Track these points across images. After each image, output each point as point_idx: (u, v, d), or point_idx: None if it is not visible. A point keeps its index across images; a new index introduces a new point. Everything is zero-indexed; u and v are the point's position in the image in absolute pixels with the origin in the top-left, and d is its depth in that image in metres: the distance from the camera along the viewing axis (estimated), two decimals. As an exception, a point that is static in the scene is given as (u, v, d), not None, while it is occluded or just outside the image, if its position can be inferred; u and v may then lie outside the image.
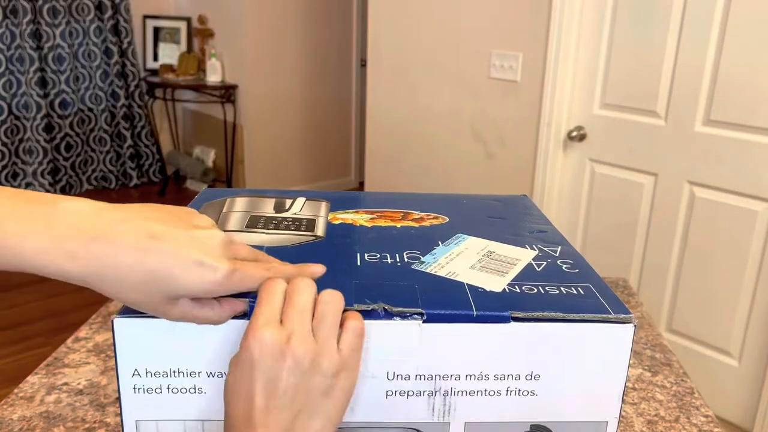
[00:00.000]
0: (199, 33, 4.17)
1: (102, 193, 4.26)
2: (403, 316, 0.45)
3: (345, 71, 4.34)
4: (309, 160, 4.33)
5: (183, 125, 4.58)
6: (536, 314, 0.46)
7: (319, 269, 0.47)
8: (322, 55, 4.17)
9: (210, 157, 4.29)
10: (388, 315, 0.45)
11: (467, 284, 0.50)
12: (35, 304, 2.70)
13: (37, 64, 3.82)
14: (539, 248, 0.58)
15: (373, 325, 0.45)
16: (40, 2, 3.78)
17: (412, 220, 0.65)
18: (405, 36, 2.57)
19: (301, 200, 0.68)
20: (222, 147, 4.13)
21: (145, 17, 4.24)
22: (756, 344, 1.90)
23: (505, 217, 0.66)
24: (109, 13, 4.05)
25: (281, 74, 4.02)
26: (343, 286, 0.46)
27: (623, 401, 0.48)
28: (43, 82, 3.88)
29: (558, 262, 0.55)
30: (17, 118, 3.87)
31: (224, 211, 0.65)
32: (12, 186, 3.89)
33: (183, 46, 4.26)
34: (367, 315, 0.45)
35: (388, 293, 0.48)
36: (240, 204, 0.67)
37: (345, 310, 0.44)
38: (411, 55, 2.57)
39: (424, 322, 0.45)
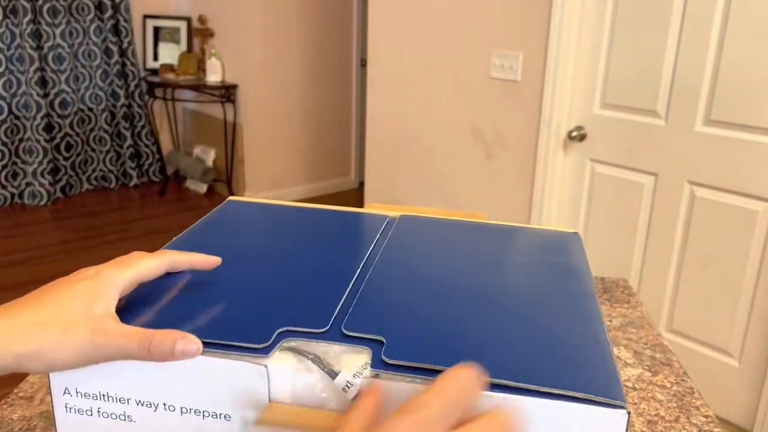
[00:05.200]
0: (199, 33, 4.17)
1: (102, 192, 4.27)
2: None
3: (345, 71, 4.34)
4: (309, 160, 4.33)
5: (183, 125, 4.58)
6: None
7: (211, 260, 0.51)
8: (322, 55, 4.17)
9: (210, 156, 4.29)
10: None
11: None
12: (35, 303, 2.70)
13: (37, 64, 3.82)
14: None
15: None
16: (40, 2, 3.78)
17: None
18: (405, 36, 2.57)
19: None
20: (222, 147, 4.13)
21: (145, 17, 4.24)
22: (756, 344, 1.90)
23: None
24: (109, 12, 4.05)
25: (281, 74, 4.02)
26: None
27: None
28: (43, 82, 3.88)
29: None
30: (17, 117, 3.87)
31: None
32: (12, 186, 3.91)
33: (183, 46, 4.26)
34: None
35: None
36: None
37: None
38: (411, 55, 2.57)
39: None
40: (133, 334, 0.42)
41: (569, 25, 2.07)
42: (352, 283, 0.53)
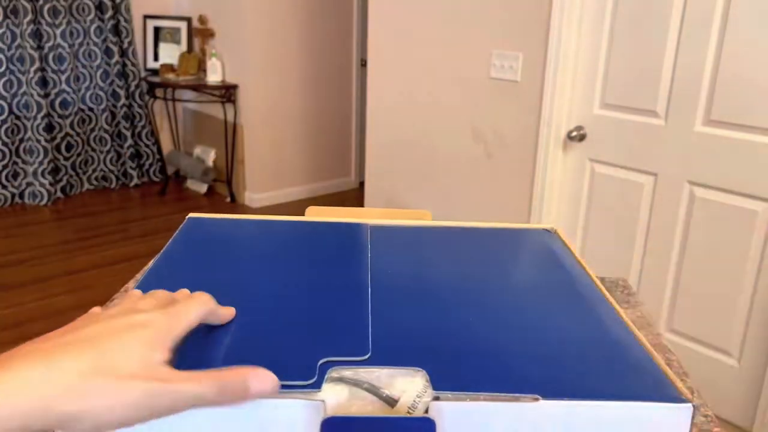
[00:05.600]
0: (199, 33, 4.17)
1: (102, 192, 4.27)
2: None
3: (345, 71, 4.34)
4: (309, 159, 4.33)
5: (183, 125, 4.59)
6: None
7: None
8: (322, 55, 4.17)
9: (210, 156, 4.30)
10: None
11: None
12: (35, 304, 2.71)
13: (37, 64, 3.82)
14: None
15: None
16: (41, 2, 3.78)
17: None
18: (405, 36, 2.57)
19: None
20: (222, 147, 4.13)
21: (146, 17, 4.24)
22: (756, 344, 1.90)
23: None
24: (110, 13, 4.05)
25: (281, 74, 4.02)
26: None
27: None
28: (43, 82, 3.88)
29: None
30: (18, 117, 3.87)
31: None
32: (12, 186, 3.91)
33: (183, 46, 4.26)
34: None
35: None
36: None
37: None
38: (411, 55, 2.57)
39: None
40: (200, 376, 0.38)
41: (569, 25, 2.07)
42: (370, 300, 0.52)
